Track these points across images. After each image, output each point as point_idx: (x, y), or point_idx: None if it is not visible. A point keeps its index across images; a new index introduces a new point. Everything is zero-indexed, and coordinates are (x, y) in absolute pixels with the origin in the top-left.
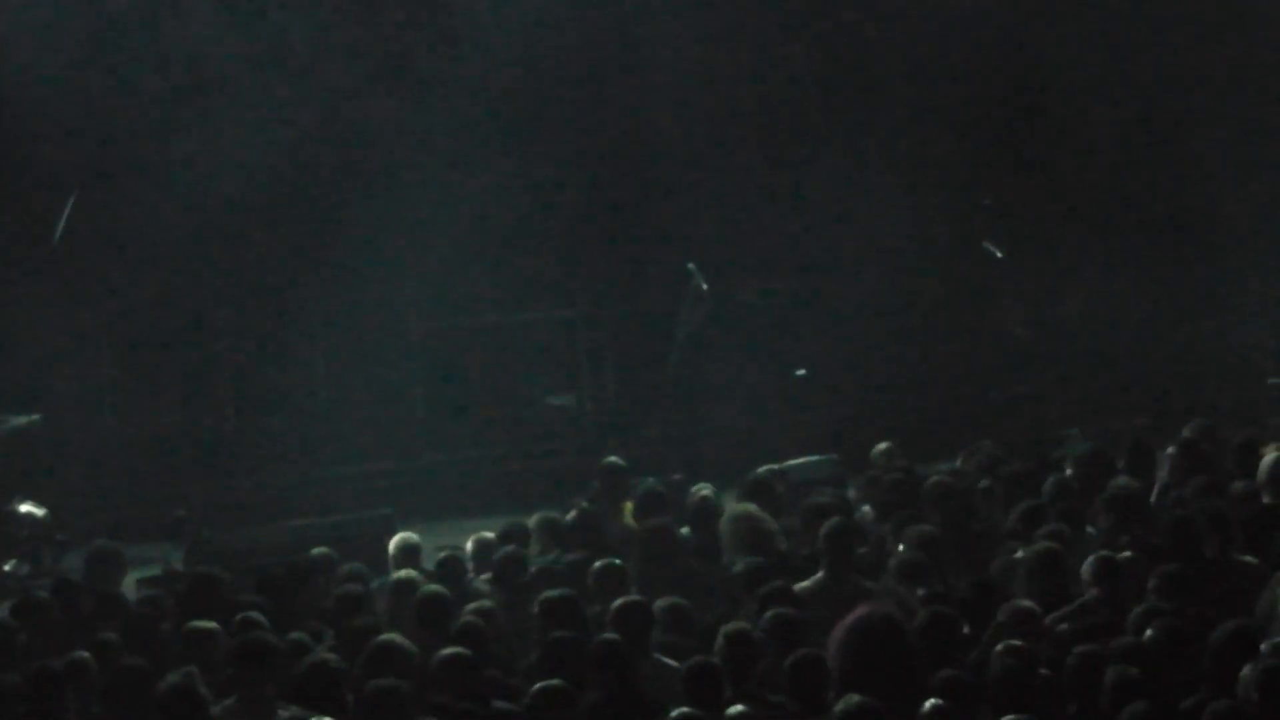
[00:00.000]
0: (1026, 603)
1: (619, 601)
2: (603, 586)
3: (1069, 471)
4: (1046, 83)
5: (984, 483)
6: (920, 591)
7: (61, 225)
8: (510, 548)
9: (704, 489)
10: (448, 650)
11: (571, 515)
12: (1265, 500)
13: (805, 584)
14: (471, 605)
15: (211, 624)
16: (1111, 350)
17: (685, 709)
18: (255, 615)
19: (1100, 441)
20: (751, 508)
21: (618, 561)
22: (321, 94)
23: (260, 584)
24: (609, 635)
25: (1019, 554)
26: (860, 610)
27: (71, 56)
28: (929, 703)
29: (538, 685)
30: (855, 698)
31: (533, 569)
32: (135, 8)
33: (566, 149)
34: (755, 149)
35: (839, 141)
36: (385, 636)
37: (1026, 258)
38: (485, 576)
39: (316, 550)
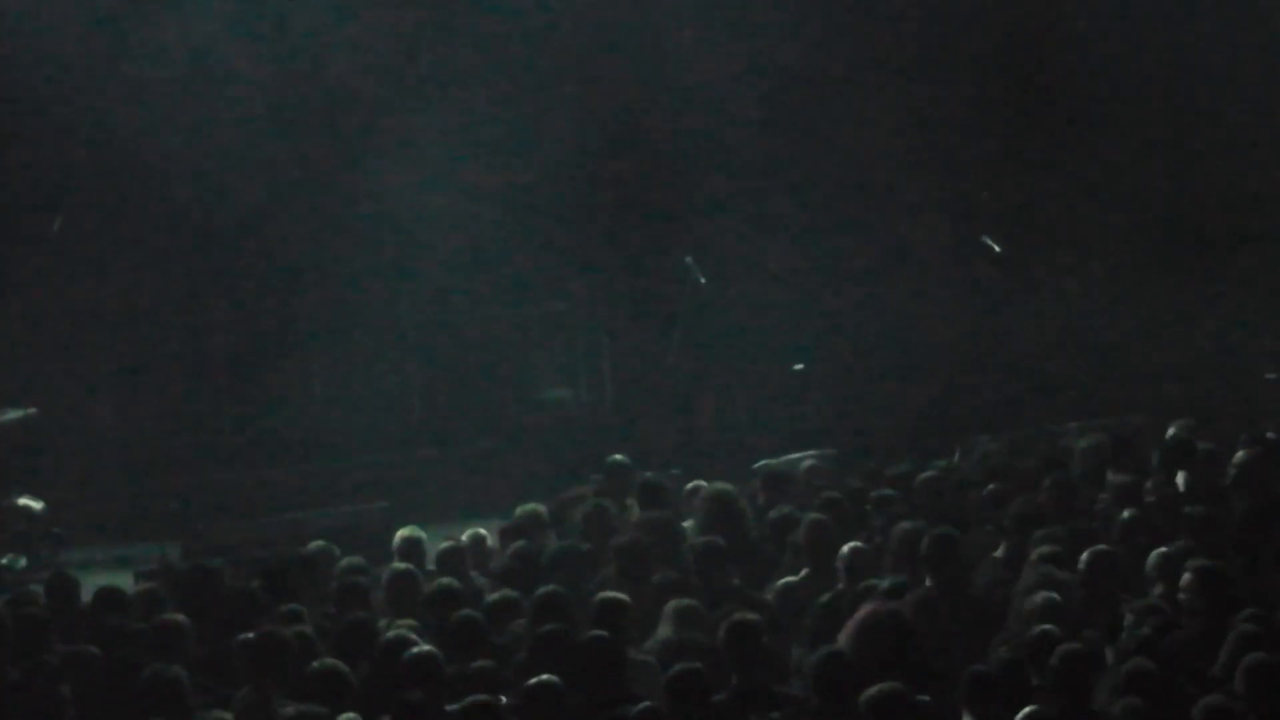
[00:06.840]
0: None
1: (601, 597)
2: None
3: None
4: (1051, 80)
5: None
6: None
7: (58, 222)
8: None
9: (700, 483)
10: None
11: (582, 511)
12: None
13: (792, 580)
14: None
15: (182, 617)
16: (1110, 347)
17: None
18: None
19: (1100, 437)
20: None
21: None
22: (321, 89)
23: (260, 577)
24: (597, 631)
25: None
26: (868, 607)
27: (70, 51)
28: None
29: (530, 681)
30: (886, 685)
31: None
32: (135, 2)
33: (565, 143)
34: (756, 144)
35: (841, 136)
36: (395, 633)
37: (1026, 254)
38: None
39: (314, 543)
